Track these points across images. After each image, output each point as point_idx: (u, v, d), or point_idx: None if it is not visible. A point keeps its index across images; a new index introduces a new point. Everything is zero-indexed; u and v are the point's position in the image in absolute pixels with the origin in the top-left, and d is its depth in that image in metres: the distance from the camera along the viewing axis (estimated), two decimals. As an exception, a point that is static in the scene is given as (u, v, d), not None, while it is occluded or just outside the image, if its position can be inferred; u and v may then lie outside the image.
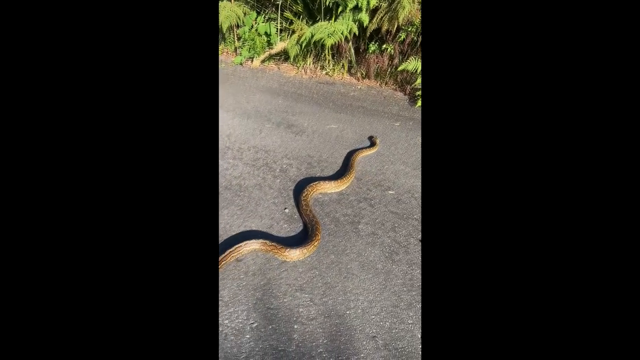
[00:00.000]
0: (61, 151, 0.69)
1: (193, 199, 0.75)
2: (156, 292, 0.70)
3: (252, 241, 1.74)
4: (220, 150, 2.69)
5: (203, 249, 0.74)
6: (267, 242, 1.73)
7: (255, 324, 1.40)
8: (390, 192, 2.24)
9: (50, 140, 0.69)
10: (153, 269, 0.70)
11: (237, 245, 1.71)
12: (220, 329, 1.39)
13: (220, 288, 1.55)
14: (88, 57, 0.70)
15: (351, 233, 1.86)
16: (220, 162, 2.53)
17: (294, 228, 1.90)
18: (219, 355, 1.29)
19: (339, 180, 2.19)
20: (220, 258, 1.64)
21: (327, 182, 2.18)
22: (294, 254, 1.68)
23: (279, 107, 3.58)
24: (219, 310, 1.45)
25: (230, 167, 2.46)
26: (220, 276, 1.60)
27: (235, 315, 1.43)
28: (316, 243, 1.74)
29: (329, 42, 3.95)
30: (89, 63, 0.70)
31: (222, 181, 2.31)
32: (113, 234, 0.70)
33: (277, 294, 1.52)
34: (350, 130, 3.08)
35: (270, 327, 1.39)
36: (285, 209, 2.05)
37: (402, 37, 3.94)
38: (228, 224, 1.92)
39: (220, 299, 1.50)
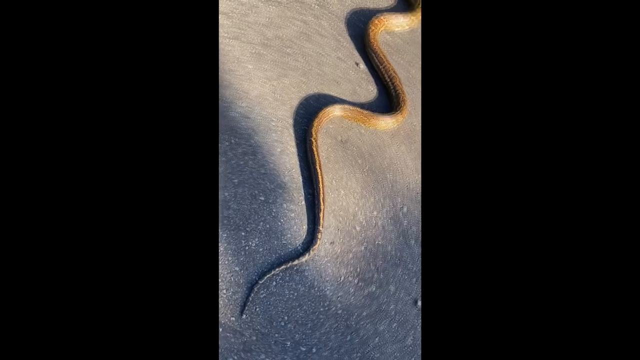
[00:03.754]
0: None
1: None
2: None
3: (332, 107, 1.47)
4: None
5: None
6: (349, 106, 1.50)
7: (406, 209, 1.40)
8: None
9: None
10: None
11: (316, 117, 1.44)
12: (373, 222, 1.38)
13: (345, 179, 1.44)
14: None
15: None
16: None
17: (381, 89, 1.63)
18: (391, 248, 1.35)
19: (410, 13, 1.75)
20: (312, 138, 1.41)
21: (394, 15, 1.73)
22: (386, 122, 1.50)
23: None
24: (360, 203, 1.40)
25: (248, 9, 1.81)
26: (337, 166, 1.46)
27: (380, 205, 1.41)
28: (407, 106, 1.54)
29: None
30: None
31: (254, 36, 1.73)
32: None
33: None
34: None
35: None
36: (357, 63, 1.69)
37: None
38: (302, 96, 1.58)
39: (353, 191, 1.42)
